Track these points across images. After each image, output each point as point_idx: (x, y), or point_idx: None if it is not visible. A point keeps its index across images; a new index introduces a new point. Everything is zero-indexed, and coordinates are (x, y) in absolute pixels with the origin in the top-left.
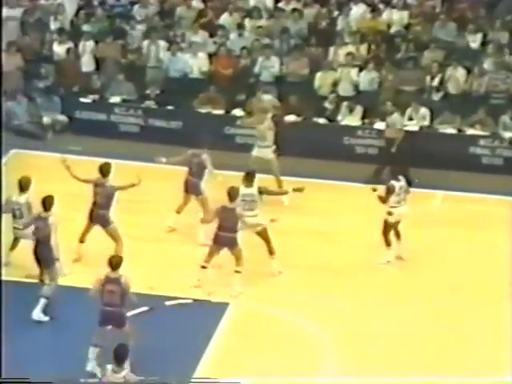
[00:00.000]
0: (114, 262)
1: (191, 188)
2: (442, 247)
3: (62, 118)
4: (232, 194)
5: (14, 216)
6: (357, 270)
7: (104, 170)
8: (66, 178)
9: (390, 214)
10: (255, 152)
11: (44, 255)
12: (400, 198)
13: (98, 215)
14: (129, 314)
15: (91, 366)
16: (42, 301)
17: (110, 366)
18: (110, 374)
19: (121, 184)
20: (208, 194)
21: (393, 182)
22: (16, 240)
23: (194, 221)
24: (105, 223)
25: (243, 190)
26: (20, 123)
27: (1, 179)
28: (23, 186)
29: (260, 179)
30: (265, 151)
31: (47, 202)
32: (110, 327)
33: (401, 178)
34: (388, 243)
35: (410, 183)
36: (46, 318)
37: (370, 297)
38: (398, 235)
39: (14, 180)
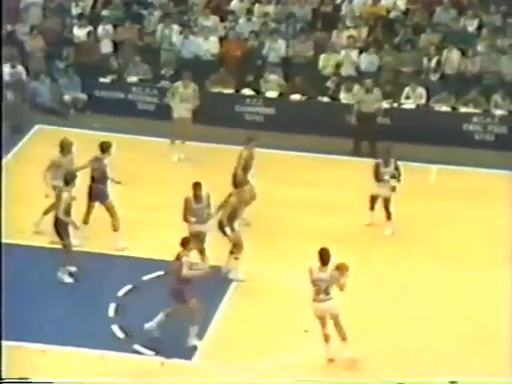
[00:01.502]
0: (182, 242)
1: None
2: (437, 219)
3: (82, 96)
4: None
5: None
6: (355, 238)
7: (104, 147)
8: (85, 152)
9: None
10: (176, 113)
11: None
12: None
13: (97, 190)
14: (145, 277)
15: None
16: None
17: (316, 266)
18: (316, 273)
19: (111, 175)
20: None
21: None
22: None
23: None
24: (103, 198)
25: None
26: (43, 101)
27: (1, 180)
28: (64, 147)
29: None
30: (184, 111)
31: (68, 178)
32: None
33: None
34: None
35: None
36: (70, 280)
37: (368, 265)
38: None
39: (38, 154)
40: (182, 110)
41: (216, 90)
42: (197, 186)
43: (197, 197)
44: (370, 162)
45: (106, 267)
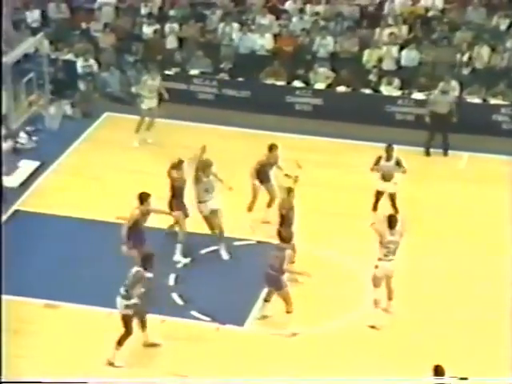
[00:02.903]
0: (283, 236)
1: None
2: (466, 201)
3: None
4: None
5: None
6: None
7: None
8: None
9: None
10: (145, 105)
11: None
12: None
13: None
14: (203, 251)
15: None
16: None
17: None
18: (389, 237)
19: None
20: None
21: None
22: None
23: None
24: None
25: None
26: (113, 91)
27: (1, 184)
28: (204, 168)
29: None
30: (152, 101)
31: (143, 197)
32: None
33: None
34: None
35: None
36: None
37: None
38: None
39: (106, 137)
40: (150, 100)
41: (269, 81)
42: None
43: None
44: (406, 150)
45: (168, 242)
